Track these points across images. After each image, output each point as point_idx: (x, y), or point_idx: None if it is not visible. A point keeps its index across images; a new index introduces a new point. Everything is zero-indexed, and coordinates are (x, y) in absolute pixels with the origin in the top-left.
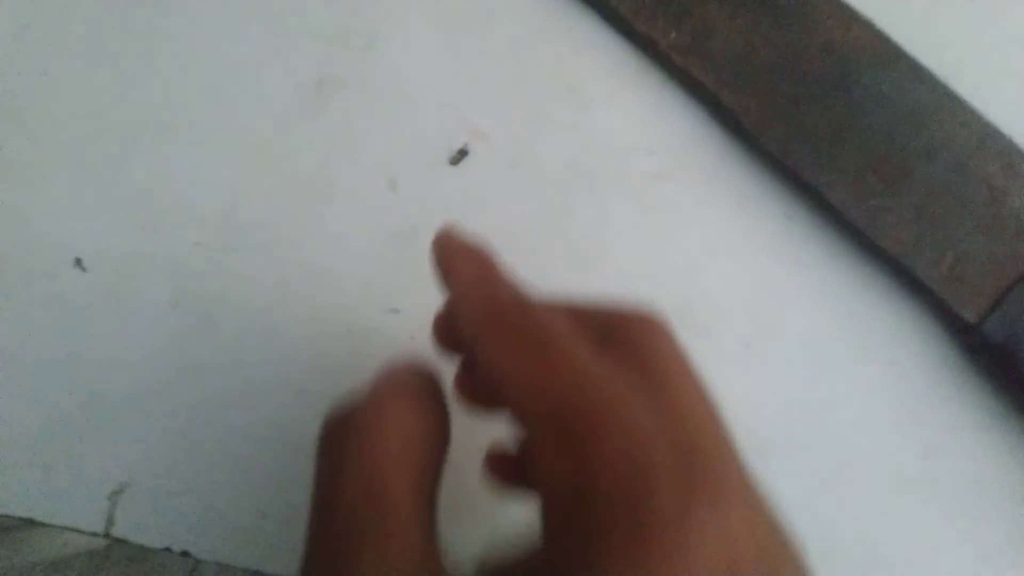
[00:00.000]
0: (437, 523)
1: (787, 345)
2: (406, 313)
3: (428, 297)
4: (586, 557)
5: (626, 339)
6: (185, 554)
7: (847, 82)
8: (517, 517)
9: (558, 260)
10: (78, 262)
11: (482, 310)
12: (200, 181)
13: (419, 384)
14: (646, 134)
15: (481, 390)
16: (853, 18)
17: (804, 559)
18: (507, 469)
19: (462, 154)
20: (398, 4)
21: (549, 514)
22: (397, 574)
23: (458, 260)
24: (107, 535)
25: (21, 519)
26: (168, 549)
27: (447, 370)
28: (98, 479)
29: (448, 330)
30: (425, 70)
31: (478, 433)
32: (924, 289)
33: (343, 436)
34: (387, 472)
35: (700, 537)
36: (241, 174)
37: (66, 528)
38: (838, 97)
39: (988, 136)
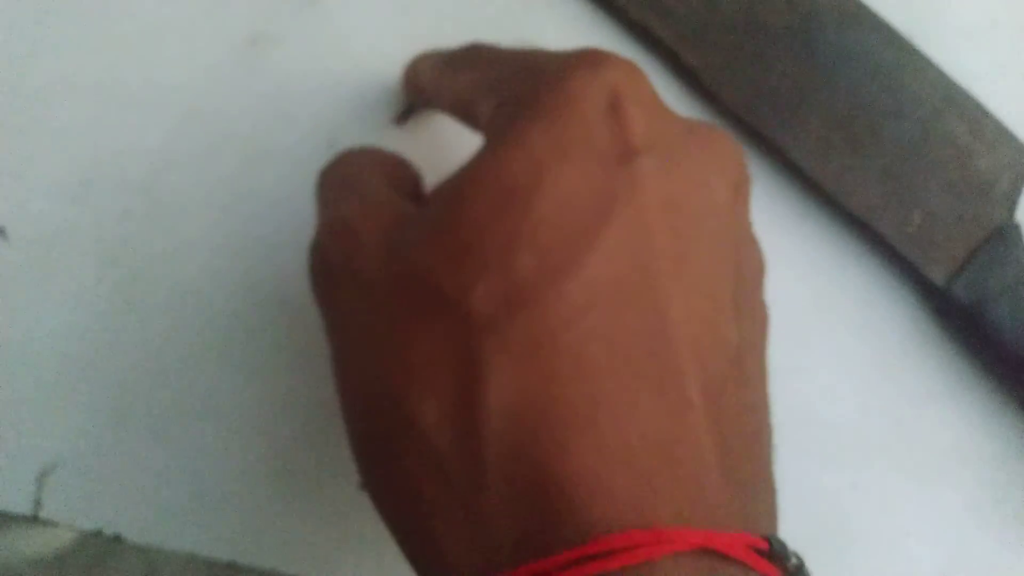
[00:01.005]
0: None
1: None
2: None
3: None
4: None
5: None
6: (117, 538)
7: (811, 39)
8: None
9: None
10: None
11: (439, 61)
12: (128, 146)
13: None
14: None
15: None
16: None
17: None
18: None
19: (408, 112)
20: None
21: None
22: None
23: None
24: (35, 518)
25: None
26: (99, 532)
27: None
28: (23, 460)
29: (411, 87)
30: (369, 25)
31: None
32: (891, 251)
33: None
34: (362, 168)
35: (583, 85)
36: (171, 138)
37: None
38: (802, 55)
39: (953, 96)
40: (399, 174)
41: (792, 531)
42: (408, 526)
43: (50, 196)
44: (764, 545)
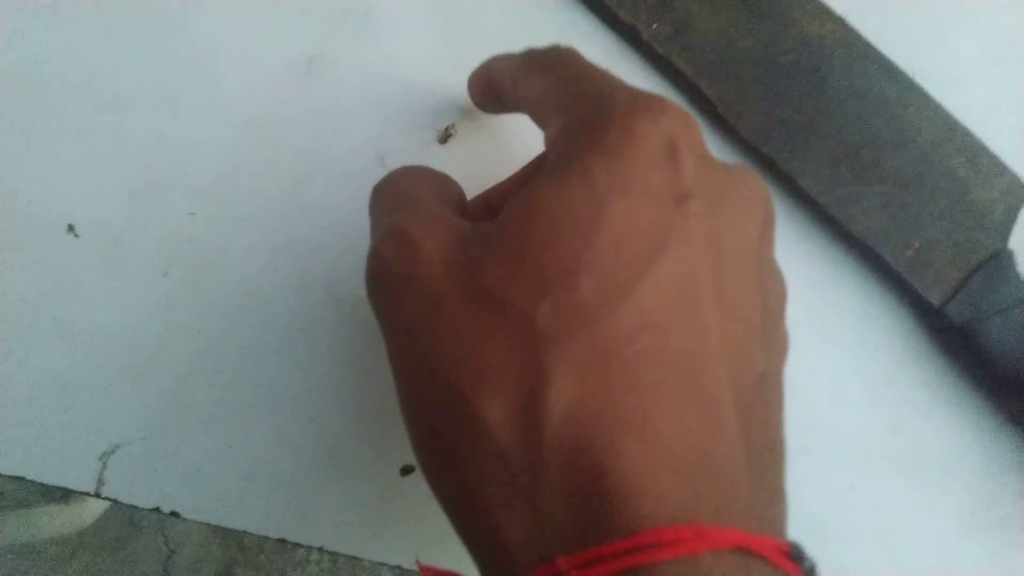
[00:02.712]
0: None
1: None
2: None
3: None
4: (558, 150)
5: None
6: (174, 514)
7: (821, 75)
8: None
9: None
10: (71, 228)
11: (519, 60)
12: (193, 152)
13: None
14: None
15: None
16: (827, 14)
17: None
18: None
19: (450, 132)
20: None
21: (547, 146)
22: (425, 212)
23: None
24: (98, 494)
25: (11, 477)
26: (158, 509)
27: None
28: (89, 440)
29: (483, 86)
30: (417, 51)
31: None
32: (892, 274)
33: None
34: (414, 183)
35: (646, 130)
36: (233, 146)
37: (57, 487)
38: (812, 89)
39: (952, 130)
40: (447, 190)
41: (794, 526)
42: (469, 514)
43: (119, 197)
44: (787, 547)
